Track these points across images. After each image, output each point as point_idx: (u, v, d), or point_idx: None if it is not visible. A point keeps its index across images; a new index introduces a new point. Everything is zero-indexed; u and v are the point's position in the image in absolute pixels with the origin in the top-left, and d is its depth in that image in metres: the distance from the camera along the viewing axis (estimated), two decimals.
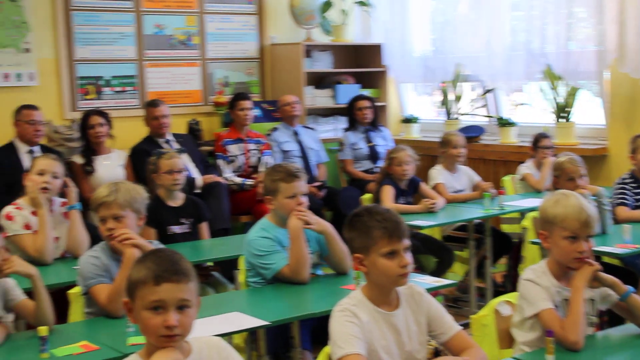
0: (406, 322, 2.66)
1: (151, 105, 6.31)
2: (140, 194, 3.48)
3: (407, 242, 2.61)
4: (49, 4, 6.63)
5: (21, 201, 4.29)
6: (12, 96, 6.28)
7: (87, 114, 6.06)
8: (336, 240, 3.66)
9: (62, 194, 4.48)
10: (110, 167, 6.01)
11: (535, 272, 2.93)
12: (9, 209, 4.25)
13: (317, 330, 3.52)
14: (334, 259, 3.71)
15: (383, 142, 7.15)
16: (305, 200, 3.72)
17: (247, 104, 6.62)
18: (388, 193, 5.36)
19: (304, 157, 6.88)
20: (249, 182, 6.33)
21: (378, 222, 2.60)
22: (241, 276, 3.85)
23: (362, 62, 8.12)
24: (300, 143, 6.91)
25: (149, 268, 2.19)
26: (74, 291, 3.47)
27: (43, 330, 2.85)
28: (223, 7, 7.54)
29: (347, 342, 2.50)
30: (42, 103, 6.14)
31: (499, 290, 5.37)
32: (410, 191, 5.53)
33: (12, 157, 5.67)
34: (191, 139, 6.64)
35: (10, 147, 5.77)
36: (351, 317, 2.56)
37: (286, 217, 3.68)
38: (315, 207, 6.26)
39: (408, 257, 2.60)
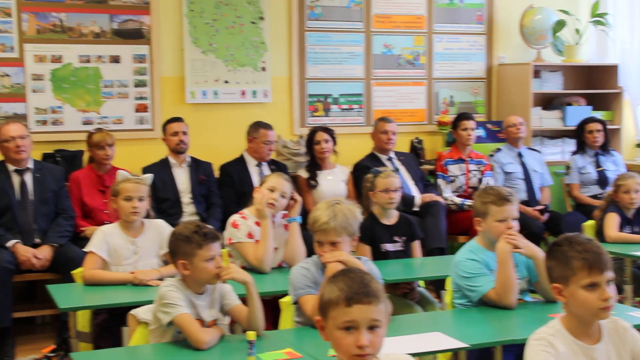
0: (608, 358, 2.54)
1: (384, 120, 6.48)
2: (356, 216, 3.56)
3: (609, 274, 2.50)
4: (286, 26, 6.99)
5: (246, 211, 4.54)
6: (247, 112, 6.70)
7: (314, 130, 6.33)
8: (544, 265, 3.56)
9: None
10: (333, 182, 6.23)
11: None
12: (235, 217, 4.52)
13: (521, 357, 3.44)
14: (543, 285, 3.61)
15: (613, 167, 6.84)
16: (516, 224, 3.65)
17: (470, 124, 6.60)
18: (612, 221, 5.14)
19: (527, 179, 6.73)
20: (469, 202, 6.29)
21: (578, 253, 2.51)
22: (448, 297, 3.85)
23: (595, 83, 7.80)
24: (523, 165, 6.77)
25: (340, 289, 2.25)
26: (286, 300, 3.63)
27: (251, 334, 3.01)
28: (452, 27, 7.57)
29: None
30: (274, 119, 6.50)
31: None
32: (637, 220, 5.26)
33: (242, 170, 6.03)
34: (413, 158, 6.73)
35: (240, 161, 6.15)
36: (547, 346, 2.50)
37: (495, 240, 3.63)
38: (537, 232, 6.15)
39: (610, 290, 2.50)
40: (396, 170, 5.10)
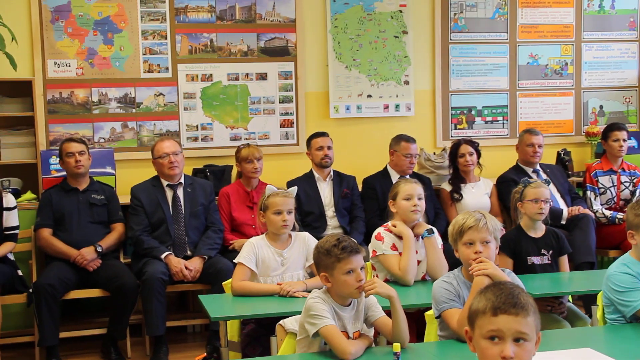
0: None
1: (530, 132, 6.34)
2: (499, 224, 3.54)
3: None
4: (429, 39, 6.99)
5: (390, 224, 4.55)
6: (390, 125, 6.75)
7: (458, 143, 6.27)
8: None
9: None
10: (477, 195, 6.16)
11: None
12: (379, 230, 4.52)
13: None
14: None
15: None
16: None
17: (621, 134, 6.36)
18: None
19: None
20: (620, 215, 6.06)
21: None
22: (599, 312, 3.72)
23: None
24: None
25: (488, 299, 2.25)
26: (430, 313, 3.62)
27: (397, 346, 3.02)
28: (602, 35, 7.36)
29: None
30: (416, 132, 6.50)
31: None
32: None
33: (385, 183, 6.03)
34: (559, 170, 6.56)
35: (384, 174, 6.18)
36: None
37: None
38: None
39: None
40: (547, 182, 4.97)
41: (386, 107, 6.87)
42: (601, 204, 6.28)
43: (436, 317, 3.46)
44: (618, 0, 7.35)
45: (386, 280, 4.32)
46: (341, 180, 6.13)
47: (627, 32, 7.39)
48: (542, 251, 4.60)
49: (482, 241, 3.38)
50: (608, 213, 6.17)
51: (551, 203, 4.82)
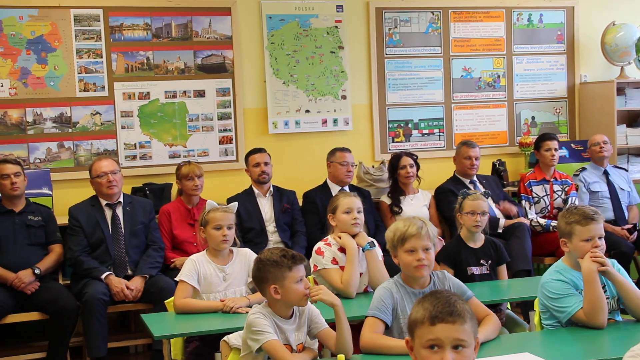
0: None
1: (467, 144, 6.47)
2: (436, 229, 3.63)
3: None
4: (365, 54, 7.08)
5: (330, 238, 4.59)
6: (329, 140, 6.79)
7: (399, 155, 6.35)
8: (626, 286, 3.52)
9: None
10: (416, 206, 6.24)
11: None
12: (319, 244, 4.56)
13: None
14: (629, 305, 3.55)
15: None
16: (602, 243, 3.61)
17: (553, 144, 6.53)
18: None
19: (614, 198, 6.60)
20: (554, 223, 6.21)
21: None
22: (536, 318, 3.82)
23: None
24: (610, 184, 6.65)
25: (426, 309, 2.29)
26: None
27: (341, 358, 3.05)
28: (532, 48, 7.54)
29: None
30: (355, 146, 6.57)
31: None
32: None
33: (325, 197, 6.07)
34: (495, 180, 6.69)
35: (324, 187, 6.22)
36: None
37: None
38: (627, 251, 6.02)
39: None
40: (487, 194, 5.04)
41: (324, 121, 6.92)
42: (536, 213, 6.43)
43: None
44: (546, 14, 7.56)
45: None
46: (281, 196, 6.15)
47: (555, 44, 7.60)
48: (481, 261, 4.67)
49: (424, 248, 3.45)
50: (543, 221, 6.32)
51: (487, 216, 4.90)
